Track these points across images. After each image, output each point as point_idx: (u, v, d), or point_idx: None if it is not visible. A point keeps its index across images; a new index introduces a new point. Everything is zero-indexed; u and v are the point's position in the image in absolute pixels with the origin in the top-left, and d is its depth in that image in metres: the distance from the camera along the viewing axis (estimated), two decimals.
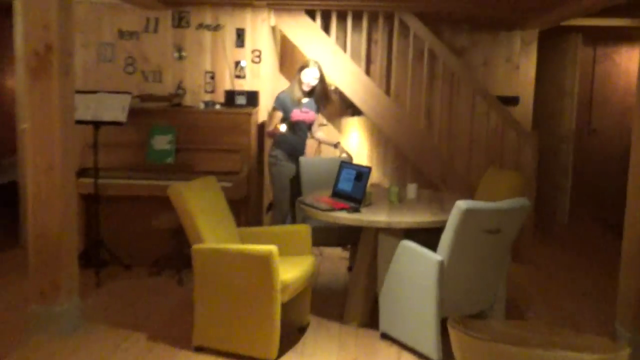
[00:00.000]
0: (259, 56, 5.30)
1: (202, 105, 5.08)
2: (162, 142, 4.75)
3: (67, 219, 3.55)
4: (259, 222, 5.42)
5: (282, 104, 4.67)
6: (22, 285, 4.33)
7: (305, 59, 4.80)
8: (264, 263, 3.13)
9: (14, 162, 5.66)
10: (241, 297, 3.23)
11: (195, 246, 3.36)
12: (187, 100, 5.33)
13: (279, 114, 4.63)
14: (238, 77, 5.37)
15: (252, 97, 5.18)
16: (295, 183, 4.77)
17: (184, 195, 3.36)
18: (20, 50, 5.10)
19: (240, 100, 5.12)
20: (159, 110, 4.94)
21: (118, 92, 4.57)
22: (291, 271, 3.37)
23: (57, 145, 3.41)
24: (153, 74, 5.39)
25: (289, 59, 5.90)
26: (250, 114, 4.94)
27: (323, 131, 5.35)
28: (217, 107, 5.08)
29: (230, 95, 5.17)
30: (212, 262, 3.31)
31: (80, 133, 4.40)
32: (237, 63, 5.34)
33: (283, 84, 5.70)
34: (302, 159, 4.81)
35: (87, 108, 4.42)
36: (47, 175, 3.41)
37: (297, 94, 4.67)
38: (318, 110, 4.86)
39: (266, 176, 5.38)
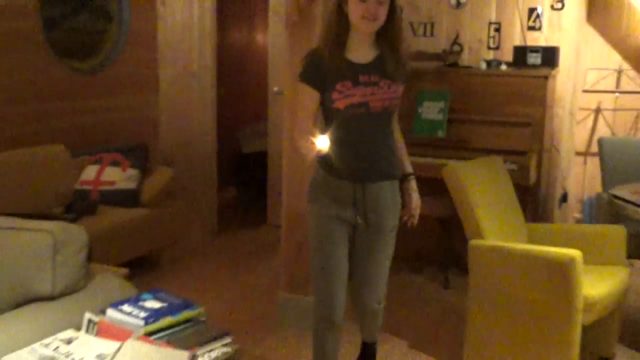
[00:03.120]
0: (561, 0, 4.88)
1: (483, 65, 4.88)
2: (432, 110, 4.69)
3: None
4: (547, 218, 4.99)
5: (315, 71, 2.59)
6: (272, 266, 4.69)
7: None
8: (563, 271, 2.87)
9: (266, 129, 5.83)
10: (528, 313, 3.01)
11: (474, 241, 3.21)
12: (464, 60, 5.13)
13: (313, 95, 2.61)
14: (532, 28, 4.97)
15: (550, 55, 4.76)
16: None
17: (463, 177, 3.30)
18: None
19: (534, 59, 4.74)
20: (430, 71, 4.87)
21: None
22: (598, 285, 3.09)
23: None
24: (424, 26, 5.29)
25: (601, 3, 5.12)
26: (546, 77, 4.57)
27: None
28: (503, 67, 4.78)
29: (521, 52, 4.78)
30: (492, 264, 3.15)
31: None
32: (532, 10, 4.96)
33: (592, 41, 5.14)
34: (605, 139, 4.43)
35: None
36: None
37: (355, 39, 2.59)
38: (406, 79, 2.72)
39: (561, 156, 4.89)
